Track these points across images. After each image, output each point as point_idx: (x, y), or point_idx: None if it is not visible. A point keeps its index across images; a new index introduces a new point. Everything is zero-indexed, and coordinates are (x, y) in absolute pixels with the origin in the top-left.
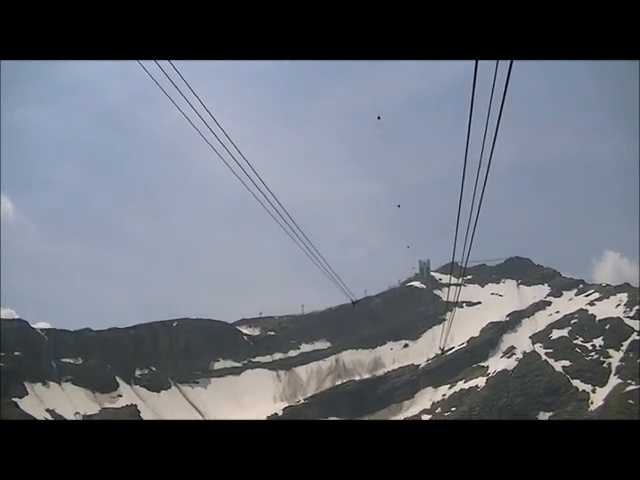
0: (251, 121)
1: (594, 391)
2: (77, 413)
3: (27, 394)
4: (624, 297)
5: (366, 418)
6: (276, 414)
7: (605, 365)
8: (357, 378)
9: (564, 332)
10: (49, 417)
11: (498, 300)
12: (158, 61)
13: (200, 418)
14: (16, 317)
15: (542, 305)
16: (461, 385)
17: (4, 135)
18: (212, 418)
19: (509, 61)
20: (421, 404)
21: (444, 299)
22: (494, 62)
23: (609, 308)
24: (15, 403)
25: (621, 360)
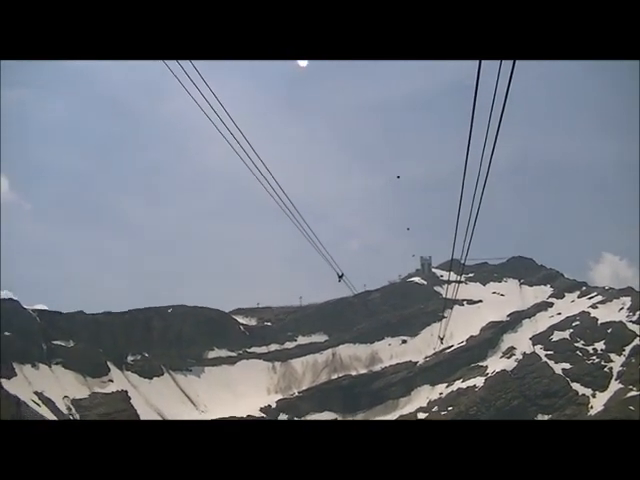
0: (254, 113)
1: (594, 395)
2: (66, 397)
3: (15, 375)
4: (627, 301)
5: (361, 414)
6: (269, 406)
7: (606, 369)
8: (353, 373)
9: (565, 334)
10: (37, 400)
11: (499, 299)
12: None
13: (192, 407)
14: (7, 297)
15: (544, 306)
16: (459, 384)
17: (5, 119)
18: (204, 407)
19: (510, 61)
20: (417, 402)
21: (445, 296)
22: (497, 61)
23: (612, 311)
24: (0, 384)
25: (622, 365)
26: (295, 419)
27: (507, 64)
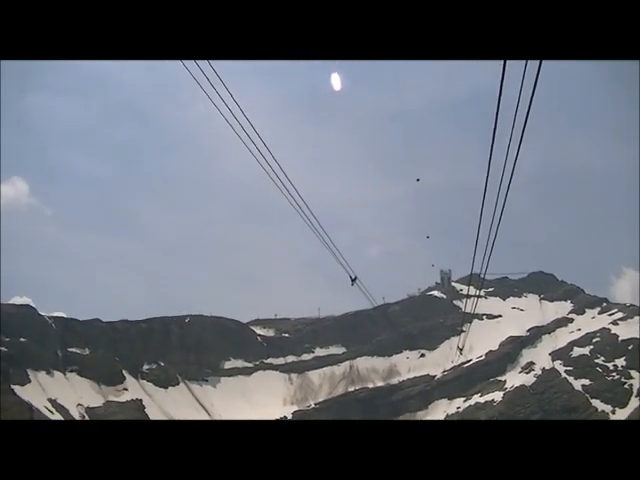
0: (274, 119)
1: (614, 412)
2: (80, 405)
3: (29, 382)
4: None
5: None
6: (285, 417)
7: (626, 386)
8: (370, 385)
9: (585, 350)
10: (50, 407)
11: (519, 314)
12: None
13: (206, 416)
14: (24, 303)
15: (564, 322)
16: (477, 398)
17: (26, 122)
18: (218, 417)
19: (528, 77)
20: (434, 415)
21: (464, 310)
22: (514, 67)
23: (633, 328)
24: (13, 390)
25: None
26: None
27: (515, 65)
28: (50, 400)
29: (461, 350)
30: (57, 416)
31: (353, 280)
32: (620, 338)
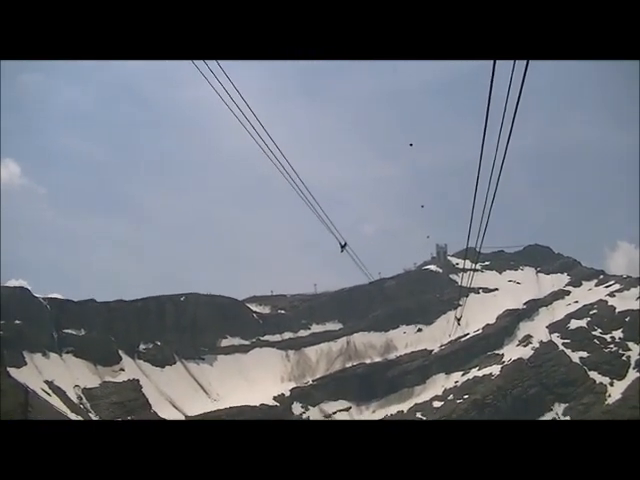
0: (269, 100)
1: (612, 384)
2: (76, 386)
3: (25, 364)
4: None
5: (376, 402)
6: (283, 394)
7: (624, 358)
8: (368, 361)
9: (582, 323)
10: (47, 389)
11: (516, 287)
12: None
13: (204, 395)
14: (19, 285)
15: (561, 294)
16: (474, 372)
17: (20, 103)
18: (216, 395)
19: (519, 60)
20: (433, 390)
21: (460, 284)
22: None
23: (630, 300)
24: (8, 373)
25: None
26: (301, 418)
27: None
28: (47, 382)
29: (459, 320)
30: (54, 398)
31: (343, 247)
32: (617, 310)
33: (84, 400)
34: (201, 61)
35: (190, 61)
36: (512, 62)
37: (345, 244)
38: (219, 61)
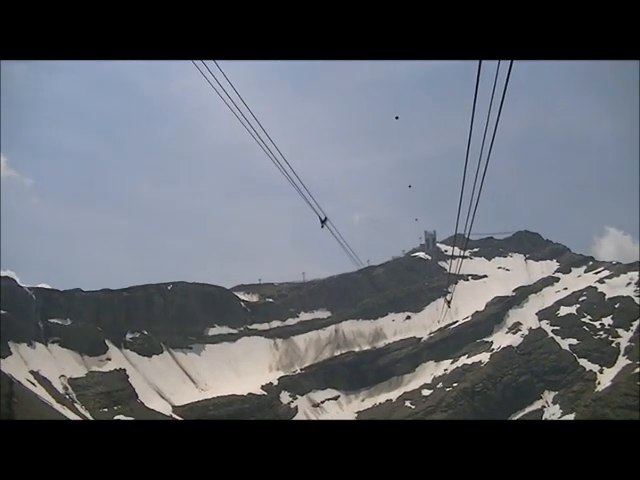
0: (264, 91)
1: (602, 371)
2: (62, 376)
3: (10, 354)
4: (635, 276)
5: (365, 391)
6: (271, 383)
7: (614, 345)
8: (357, 349)
9: (572, 309)
10: (32, 379)
11: (505, 274)
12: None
13: (192, 385)
14: (4, 275)
15: (550, 281)
16: (464, 360)
17: (11, 97)
18: (204, 385)
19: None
20: (422, 378)
21: (449, 271)
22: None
23: (619, 286)
24: None
25: (630, 340)
26: (295, 418)
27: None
28: (32, 372)
29: (449, 303)
30: (40, 388)
31: (323, 222)
32: (607, 296)
33: (70, 390)
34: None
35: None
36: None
37: (325, 219)
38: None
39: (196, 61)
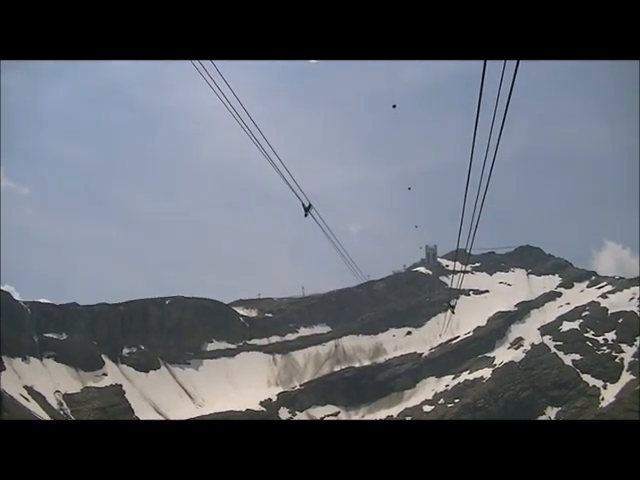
0: (263, 103)
1: (605, 387)
2: (57, 391)
3: (4, 369)
4: (637, 290)
5: (365, 407)
6: (270, 399)
7: (617, 360)
8: (357, 365)
9: (575, 324)
10: (26, 394)
11: (507, 289)
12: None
13: (189, 400)
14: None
15: (552, 296)
16: (465, 376)
17: (8, 107)
18: (201, 401)
19: (510, 61)
20: (423, 394)
21: (450, 286)
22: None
23: (622, 301)
24: None
25: (634, 355)
26: (294, 419)
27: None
28: (26, 387)
29: (452, 309)
30: (33, 403)
31: (307, 209)
32: (610, 311)
33: (64, 406)
34: (191, 64)
35: (179, 61)
36: (502, 63)
37: (310, 206)
38: (215, 62)
39: (196, 64)
